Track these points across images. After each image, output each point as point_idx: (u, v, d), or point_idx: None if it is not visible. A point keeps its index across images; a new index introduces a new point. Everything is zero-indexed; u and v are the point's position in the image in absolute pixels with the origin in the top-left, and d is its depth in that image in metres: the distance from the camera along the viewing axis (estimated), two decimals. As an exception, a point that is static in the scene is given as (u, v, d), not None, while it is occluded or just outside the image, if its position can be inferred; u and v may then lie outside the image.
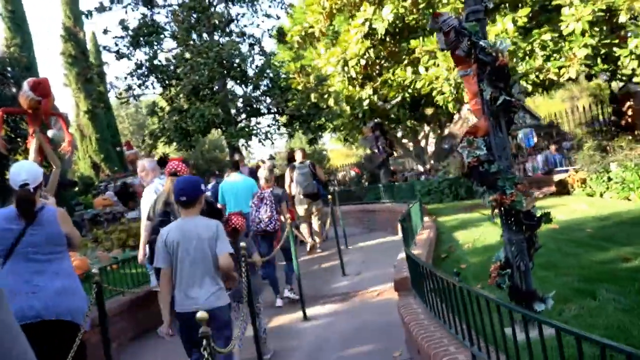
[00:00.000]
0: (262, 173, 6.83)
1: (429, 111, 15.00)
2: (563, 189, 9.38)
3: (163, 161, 6.06)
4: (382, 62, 9.48)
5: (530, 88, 8.04)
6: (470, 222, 7.67)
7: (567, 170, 10.39)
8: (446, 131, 28.13)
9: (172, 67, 20.43)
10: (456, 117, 23.54)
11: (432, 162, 19.42)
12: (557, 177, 10.44)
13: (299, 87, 12.07)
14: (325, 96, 11.64)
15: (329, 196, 8.02)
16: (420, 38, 7.69)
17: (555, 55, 7.24)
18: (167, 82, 21.13)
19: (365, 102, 10.27)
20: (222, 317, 3.38)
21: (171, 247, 3.35)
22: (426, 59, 7.67)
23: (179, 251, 3.34)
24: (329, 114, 18.88)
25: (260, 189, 6.77)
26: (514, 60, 7.57)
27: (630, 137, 9.25)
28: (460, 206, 9.64)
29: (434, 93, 7.66)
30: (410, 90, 9.82)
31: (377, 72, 9.59)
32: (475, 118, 4.02)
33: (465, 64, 3.95)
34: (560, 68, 7.22)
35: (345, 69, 9.03)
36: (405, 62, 9.02)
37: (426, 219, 8.32)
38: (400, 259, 5.68)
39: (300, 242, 8.56)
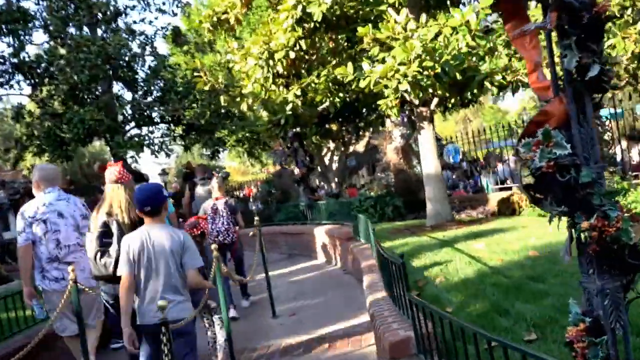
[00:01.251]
0: (215, 183, 6.86)
1: (334, 127, 13.91)
2: (506, 208, 8.56)
3: (102, 169, 5.26)
4: (314, 56, 8.06)
5: (495, 91, 7.10)
6: (423, 248, 6.43)
7: (509, 188, 9.66)
8: (351, 149, 27.58)
9: (43, 64, 17.51)
10: (364, 138, 22.67)
11: (336, 180, 18.34)
12: (495, 196, 9.67)
13: (205, 88, 10.27)
14: (238, 99, 9.96)
15: (255, 217, 6.39)
16: (370, 25, 6.37)
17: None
18: (36, 80, 18.13)
19: (289, 107, 8.78)
20: (187, 329, 3.28)
21: (134, 256, 3.23)
22: (376, 51, 6.37)
23: (143, 261, 3.23)
24: (235, 124, 17.17)
25: (213, 200, 6.65)
26: (473, 59, 6.55)
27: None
28: (394, 228, 8.46)
29: (386, 92, 6.36)
30: (344, 93, 8.51)
31: (305, 68, 8.16)
32: (541, 101, 2.68)
33: (519, 18, 2.59)
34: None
35: (271, 62, 7.51)
36: (344, 56, 7.74)
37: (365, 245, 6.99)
38: (374, 300, 4.20)
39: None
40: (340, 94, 8.64)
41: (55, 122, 17.38)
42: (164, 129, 18.38)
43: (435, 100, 7.98)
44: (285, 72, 7.79)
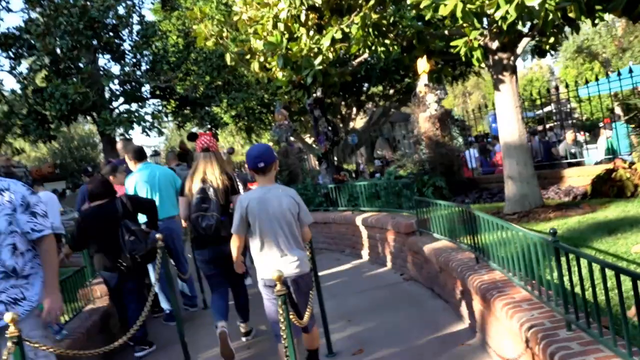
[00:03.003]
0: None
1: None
2: (609, 188, 6.51)
3: (193, 136, 4.67)
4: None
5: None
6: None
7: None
8: (351, 125, 25.38)
9: (25, 36, 15.32)
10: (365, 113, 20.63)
11: (335, 158, 16.27)
12: (576, 172, 7.63)
13: (208, 44, 8.12)
14: (248, 57, 7.83)
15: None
16: None
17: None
18: (15, 53, 15.97)
19: (318, 59, 6.65)
20: (309, 282, 3.46)
21: (252, 215, 3.31)
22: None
23: (263, 219, 3.29)
24: (234, 96, 14.97)
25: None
26: None
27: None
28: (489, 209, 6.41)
29: (470, 27, 4.26)
30: (391, 40, 6.42)
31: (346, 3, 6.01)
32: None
33: None
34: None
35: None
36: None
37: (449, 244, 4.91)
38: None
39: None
40: (387, 41, 6.53)
41: (35, 97, 15.23)
42: (155, 104, 16.18)
43: (525, 41, 5.89)
44: (322, 6, 5.66)
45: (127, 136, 13.76)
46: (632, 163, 6.68)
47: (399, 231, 5.83)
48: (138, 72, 15.92)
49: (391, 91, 22.54)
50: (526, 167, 6.27)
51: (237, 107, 15.37)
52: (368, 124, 25.69)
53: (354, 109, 23.30)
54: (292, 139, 14.35)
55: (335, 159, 15.91)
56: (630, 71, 9.82)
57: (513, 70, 6.22)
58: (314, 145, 23.62)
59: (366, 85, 21.06)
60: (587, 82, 10.43)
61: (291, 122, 14.61)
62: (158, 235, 4.34)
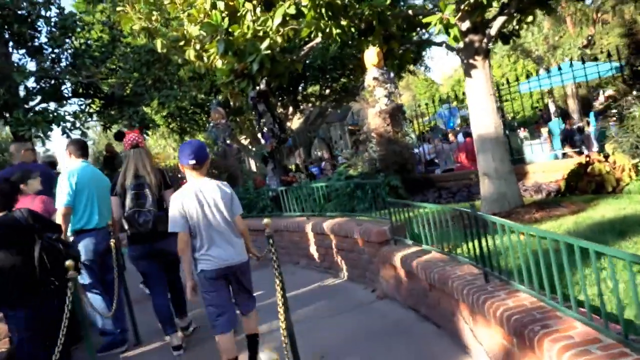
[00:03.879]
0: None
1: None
2: (586, 184, 6.00)
3: (120, 135, 4.60)
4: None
5: None
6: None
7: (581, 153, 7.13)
8: (288, 125, 24.45)
9: None
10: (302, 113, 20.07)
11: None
12: (542, 167, 7.15)
13: (135, 27, 7.01)
14: (182, 43, 6.80)
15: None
16: None
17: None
18: None
19: (265, 43, 5.72)
20: (249, 267, 3.69)
21: (189, 211, 3.41)
22: None
23: (200, 213, 3.42)
24: (166, 94, 13.66)
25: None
26: None
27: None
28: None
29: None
30: (348, 20, 5.62)
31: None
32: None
33: None
34: None
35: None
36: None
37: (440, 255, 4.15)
38: None
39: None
40: (343, 22, 5.71)
41: None
42: (77, 103, 14.55)
43: (500, 21, 5.26)
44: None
45: (44, 138, 12.13)
46: (606, 156, 6.22)
47: (369, 240, 5.00)
48: (57, 68, 14.24)
49: (327, 91, 21.96)
50: (503, 163, 5.63)
51: (169, 106, 14.07)
52: (305, 124, 24.95)
53: (290, 109, 22.50)
54: (228, 141, 13.31)
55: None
56: (559, 68, 9.63)
57: (486, 54, 5.57)
58: (250, 147, 22.51)
59: (302, 84, 20.37)
60: (517, 79, 10.19)
61: (228, 121, 13.53)
62: (69, 263, 3.26)
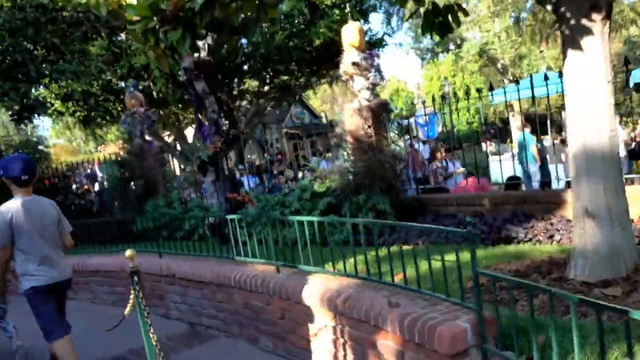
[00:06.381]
0: None
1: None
2: None
3: None
4: None
5: None
6: None
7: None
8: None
9: None
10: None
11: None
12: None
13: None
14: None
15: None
16: None
17: None
18: None
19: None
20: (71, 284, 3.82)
21: (19, 226, 3.45)
22: None
23: (29, 229, 3.47)
24: (62, 67, 10.34)
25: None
26: None
27: None
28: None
29: None
30: None
31: None
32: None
33: None
34: None
35: None
36: None
37: None
38: None
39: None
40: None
41: None
42: None
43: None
44: None
45: None
46: None
47: (424, 343, 2.50)
48: None
49: (266, 88, 19.41)
50: (618, 198, 3.36)
51: (68, 85, 10.85)
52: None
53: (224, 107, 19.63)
54: (147, 136, 10.36)
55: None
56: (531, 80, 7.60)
57: (608, 11, 3.28)
58: (176, 146, 19.26)
59: (237, 78, 17.73)
60: (491, 88, 8.18)
61: (148, 109, 10.57)
62: None
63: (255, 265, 4.05)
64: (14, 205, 3.46)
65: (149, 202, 8.68)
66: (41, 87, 13.09)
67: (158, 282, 4.89)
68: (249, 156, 24.28)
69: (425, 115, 8.31)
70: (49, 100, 14.62)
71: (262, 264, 3.98)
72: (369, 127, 7.06)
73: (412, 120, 8.97)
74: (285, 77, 18.23)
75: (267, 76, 18.18)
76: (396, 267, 3.09)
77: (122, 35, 13.23)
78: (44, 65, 10.11)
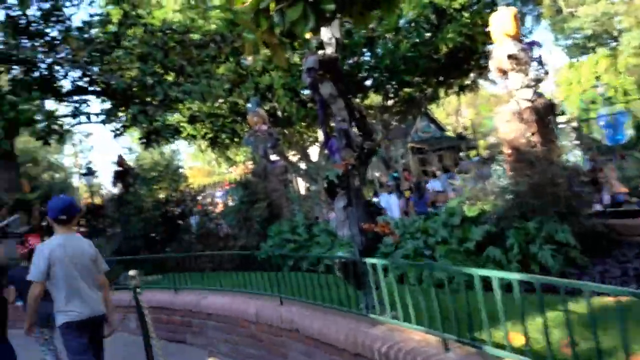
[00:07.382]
0: None
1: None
2: None
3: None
4: None
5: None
6: None
7: None
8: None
9: None
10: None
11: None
12: None
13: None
14: None
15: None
16: None
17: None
18: None
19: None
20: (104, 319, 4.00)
21: (57, 262, 3.63)
22: None
23: (66, 265, 3.66)
24: (188, 89, 10.12)
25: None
26: None
27: None
28: None
29: None
30: None
31: None
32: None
33: None
34: None
35: None
36: None
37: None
38: None
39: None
40: None
41: None
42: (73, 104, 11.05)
43: None
44: None
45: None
46: None
47: None
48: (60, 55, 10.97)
49: (390, 102, 18.23)
50: None
51: (194, 106, 10.62)
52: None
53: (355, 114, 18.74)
54: (271, 155, 9.71)
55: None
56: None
57: None
58: (300, 165, 18.69)
59: (360, 94, 16.72)
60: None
61: (272, 127, 9.95)
62: None
63: (406, 332, 2.87)
64: (54, 242, 3.70)
65: (272, 226, 7.98)
66: (175, 112, 13.14)
67: (279, 337, 3.93)
68: (374, 174, 23.17)
69: (610, 115, 6.63)
70: (182, 124, 14.82)
71: (417, 331, 2.79)
72: (533, 133, 5.63)
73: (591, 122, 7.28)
74: (410, 90, 17.03)
75: (392, 89, 17.12)
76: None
77: (249, 59, 12.98)
78: (171, 88, 9.95)
